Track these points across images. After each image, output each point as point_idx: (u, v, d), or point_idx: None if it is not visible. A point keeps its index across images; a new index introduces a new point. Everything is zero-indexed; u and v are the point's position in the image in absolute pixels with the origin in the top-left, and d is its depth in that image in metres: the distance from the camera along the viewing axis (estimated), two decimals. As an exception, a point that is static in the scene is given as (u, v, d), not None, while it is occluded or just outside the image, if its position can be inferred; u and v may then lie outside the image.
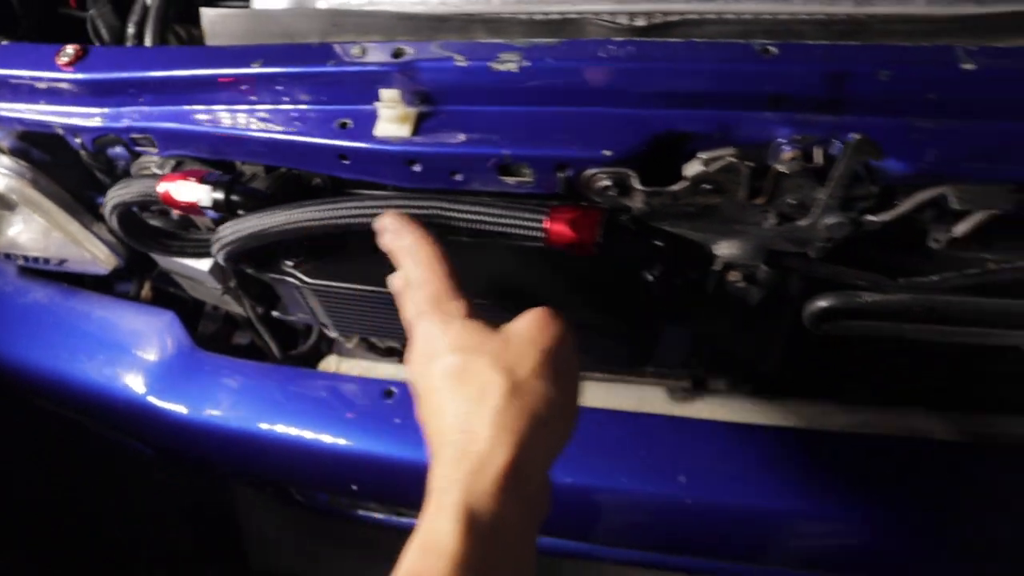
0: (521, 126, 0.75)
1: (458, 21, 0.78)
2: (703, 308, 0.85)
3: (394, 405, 1.01)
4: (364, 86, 0.78)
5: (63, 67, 0.85)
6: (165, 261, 1.12)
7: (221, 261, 0.88)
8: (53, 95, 0.88)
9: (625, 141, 0.72)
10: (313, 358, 1.21)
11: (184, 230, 1.01)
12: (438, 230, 0.74)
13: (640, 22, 0.75)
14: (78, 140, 0.90)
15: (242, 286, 1.11)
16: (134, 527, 1.78)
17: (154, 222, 1.01)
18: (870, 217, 0.67)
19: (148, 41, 0.98)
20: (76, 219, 1.00)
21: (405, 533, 0.55)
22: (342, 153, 0.79)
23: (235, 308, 1.19)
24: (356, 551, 1.69)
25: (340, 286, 0.90)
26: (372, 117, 0.78)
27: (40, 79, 0.86)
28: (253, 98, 0.82)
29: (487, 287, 0.85)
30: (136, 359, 1.11)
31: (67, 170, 0.99)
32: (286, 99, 0.81)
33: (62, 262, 1.08)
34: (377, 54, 0.77)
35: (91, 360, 1.12)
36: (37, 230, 1.07)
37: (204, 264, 1.07)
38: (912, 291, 0.76)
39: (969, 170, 0.65)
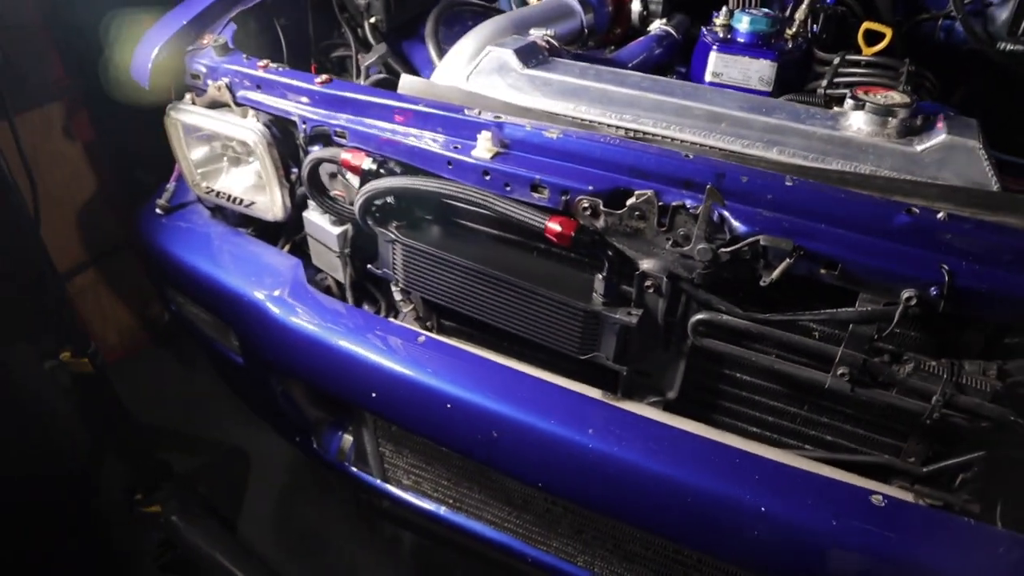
0: (549, 168, 1.32)
1: (534, 113, 1.40)
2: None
3: (422, 346, 1.50)
4: (472, 130, 1.39)
5: (318, 84, 1.52)
6: (309, 226, 1.71)
7: (358, 210, 1.46)
8: (302, 99, 1.54)
9: (601, 185, 1.28)
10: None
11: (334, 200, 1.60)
12: (487, 215, 1.31)
13: (631, 133, 1.34)
14: (304, 126, 1.55)
15: (351, 254, 1.68)
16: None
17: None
18: (723, 249, 1.18)
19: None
20: (276, 175, 1.62)
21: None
22: (449, 161, 1.38)
23: (339, 276, 1.75)
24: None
25: (419, 245, 1.45)
26: (471, 148, 1.38)
27: (303, 88, 1.53)
28: (410, 123, 1.45)
29: (503, 268, 1.38)
30: (269, 282, 1.66)
31: (284, 146, 1.62)
32: (427, 128, 1.44)
33: (251, 204, 1.69)
34: (485, 115, 1.39)
35: (240, 275, 1.68)
36: (245, 179, 1.70)
37: (336, 229, 1.65)
38: (750, 320, 1.24)
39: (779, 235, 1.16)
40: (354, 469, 1.84)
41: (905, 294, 1.11)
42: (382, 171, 1.42)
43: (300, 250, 1.83)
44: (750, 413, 1.43)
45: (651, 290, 1.29)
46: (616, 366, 1.39)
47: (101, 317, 3.04)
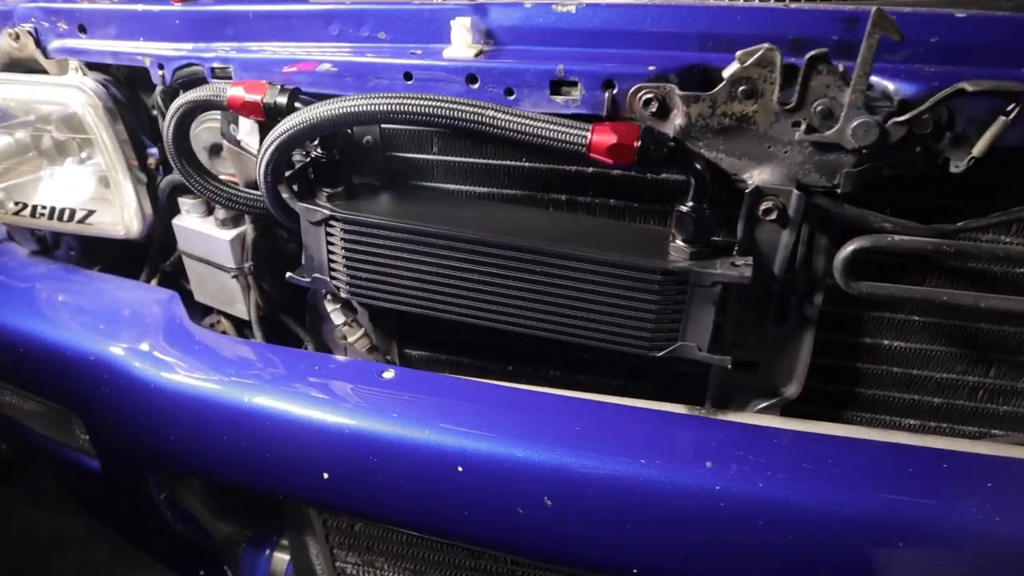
0: (574, 57, 0.84)
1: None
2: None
3: (392, 384, 0.94)
4: (436, 25, 0.89)
5: (177, 3, 0.97)
6: (184, 239, 1.13)
7: (264, 173, 0.90)
8: (152, 31, 0.99)
9: (666, 64, 0.81)
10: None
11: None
12: (489, 136, 0.81)
13: None
14: (161, 72, 0.99)
15: (256, 270, 1.10)
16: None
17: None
18: (895, 119, 0.73)
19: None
20: (123, 162, 1.04)
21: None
22: (408, 72, 0.87)
23: (238, 309, 1.16)
24: None
25: (373, 219, 0.90)
26: (438, 53, 0.88)
27: (154, 14, 0.98)
28: (330, 36, 0.93)
29: (529, 232, 0.87)
30: (128, 329, 1.05)
31: (132, 114, 1.05)
32: (360, 38, 0.93)
33: (88, 215, 1.09)
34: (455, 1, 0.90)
35: (80, 327, 1.05)
36: (80, 185, 1.10)
37: (228, 233, 1.08)
38: (940, 235, 0.78)
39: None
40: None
41: None
42: (297, 104, 0.88)
43: (176, 284, 1.23)
44: (906, 399, 0.95)
45: (770, 217, 0.81)
46: (716, 358, 0.88)
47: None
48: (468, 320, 0.93)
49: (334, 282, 0.98)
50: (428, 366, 1.12)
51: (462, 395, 0.92)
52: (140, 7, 0.99)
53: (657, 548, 0.82)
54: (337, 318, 1.05)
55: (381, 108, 0.82)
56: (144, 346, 1.01)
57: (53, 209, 1.10)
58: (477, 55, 0.86)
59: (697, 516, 0.80)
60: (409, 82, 0.88)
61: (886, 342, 0.93)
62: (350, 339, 1.06)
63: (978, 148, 0.73)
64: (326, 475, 0.91)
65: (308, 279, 1.00)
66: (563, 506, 0.83)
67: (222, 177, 1.03)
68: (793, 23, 0.80)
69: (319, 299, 1.15)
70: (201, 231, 1.09)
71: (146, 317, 1.06)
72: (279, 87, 0.88)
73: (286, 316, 1.18)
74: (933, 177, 0.78)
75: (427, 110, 0.81)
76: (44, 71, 1.04)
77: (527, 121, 0.80)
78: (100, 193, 1.09)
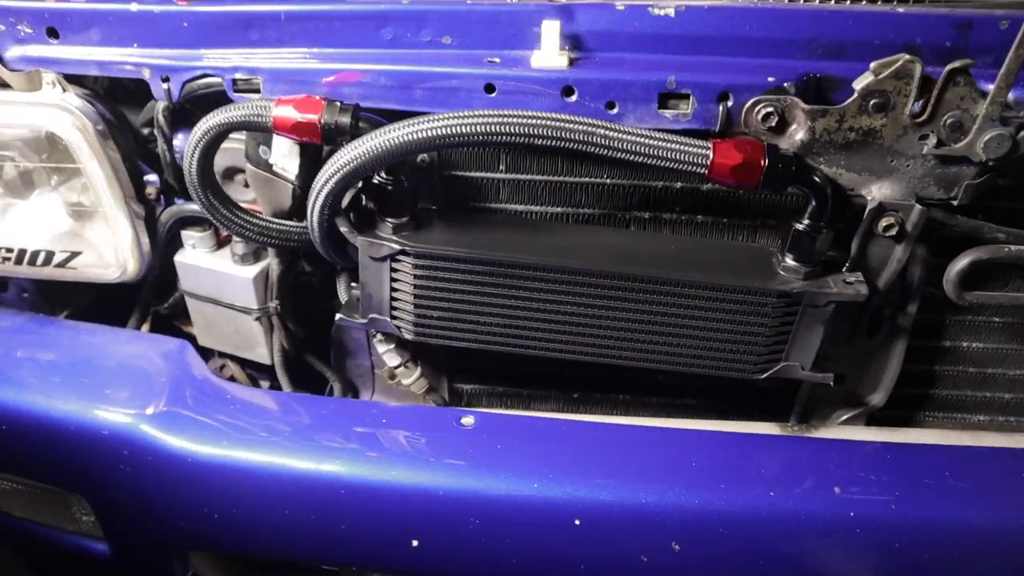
0: (676, 66, 0.77)
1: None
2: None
3: (476, 433, 0.85)
4: (515, 28, 0.79)
5: (179, 0, 0.81)
6: (188, 277, 0.97)
7: (321, 202, 0.77)
8: (152, 36, 0.82)
9: (782, 74, 0.75)
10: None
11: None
12: (592, 157, 0.73)
13: None
14: (166, 86, 0.83)
15: (281, 310, 0.96)
16: None
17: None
18: (1028, 132, 0.71)
19: None
20: (119, 192, 0.86)
21: None
22: (490, 84, 0.77)
23: (259, 354, 1.02)
24: None
25: (448, 251, 0.80)
26: (520, 60, 0.79)
27: (150, 14, 0.81)
28: (384, 41, 0.81)
29: (626, 257, 0.80)
30: (131, 390, 0.88)
31: (126, 136, 0.88)
32: (420, 43, 0.81)
33: (71, 257, 0.90)
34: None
35: (72, 393, 0.88)
36: (51, 220, 0.90)
37: (249, 270, 0.93)
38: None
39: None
40: None
41: None
42: (361, 123, 0.76)
43: (171, 328, 1.06)
44: (978, 396, 0.97)
45: (890, 233, 0.78)
46: (819, 376, 0.85)
47: None
48: (561, 356, 0.85)
49: (396, 322, 0.87)
50: (483, 401, 1.03)
51: (561, 438, 0.84)
52: (135, 7, 0.82)
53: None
54: (392, 360, 0.93)
55: (479, 129, 0.71)
56: (169, 410, 0.85)
57: (23, 252, 0.90)
58: (570, 64, 0.77)
59: (834, 547, 0.77)
60: (491, 95, 0.77)
61: (964, 344, 0.93)
62: (405, 382, 0.95)
63: (1100, 157, 0.73)
64: (416, 543, 0.81)
65: (363, 320, 0.88)
66: (692, 550, 0.78)
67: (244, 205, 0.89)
68: (905, 29, 0.77)
69: (343, 335, 1.03)
70: (213, 268, 0.94)
71: (159, 375, 0.90)
72: (338, 105, 0.75)
73: (313, 357, 1.04)
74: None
75: (531, 130, 0.71)
76: (4, 85, 0.84)
77: (645, 140, 0.72)
78: (80, 229, 0.91)
